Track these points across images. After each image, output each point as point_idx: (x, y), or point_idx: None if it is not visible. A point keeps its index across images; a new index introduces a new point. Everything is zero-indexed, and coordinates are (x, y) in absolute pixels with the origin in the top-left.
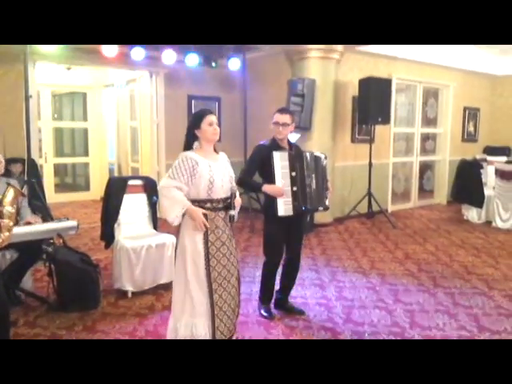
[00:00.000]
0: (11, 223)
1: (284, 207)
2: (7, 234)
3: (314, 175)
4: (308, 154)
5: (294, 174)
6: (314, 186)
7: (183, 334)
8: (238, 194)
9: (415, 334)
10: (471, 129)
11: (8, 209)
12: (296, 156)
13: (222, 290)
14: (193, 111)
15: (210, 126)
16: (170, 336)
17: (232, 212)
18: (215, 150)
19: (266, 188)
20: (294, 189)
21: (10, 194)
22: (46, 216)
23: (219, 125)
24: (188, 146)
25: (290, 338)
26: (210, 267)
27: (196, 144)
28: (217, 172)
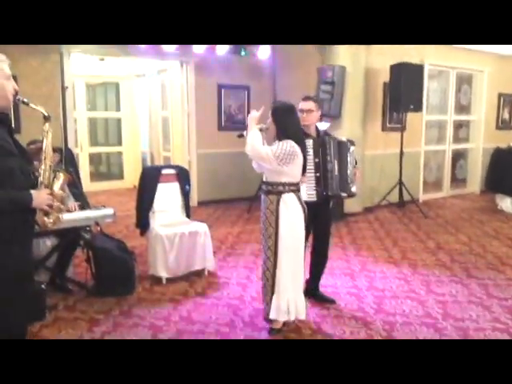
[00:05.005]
0: (62, 206)
1: (307, 193)
2: (58, 215)
3: (336, 161)
4: (331, 140)
5: (317, 160)
6: (336, 171)
7: None
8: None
9: (448, 325)
10: (506, 116)
11: (59, 192)
12: (319, 142)
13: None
14: (222, 100)
15: None
16: None
17: None
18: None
19: None
20: (317, 174)
21: (60, 178)
22: (84, 204)
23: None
24: None
25: (321, 327)
26: None
27: None
28: None
